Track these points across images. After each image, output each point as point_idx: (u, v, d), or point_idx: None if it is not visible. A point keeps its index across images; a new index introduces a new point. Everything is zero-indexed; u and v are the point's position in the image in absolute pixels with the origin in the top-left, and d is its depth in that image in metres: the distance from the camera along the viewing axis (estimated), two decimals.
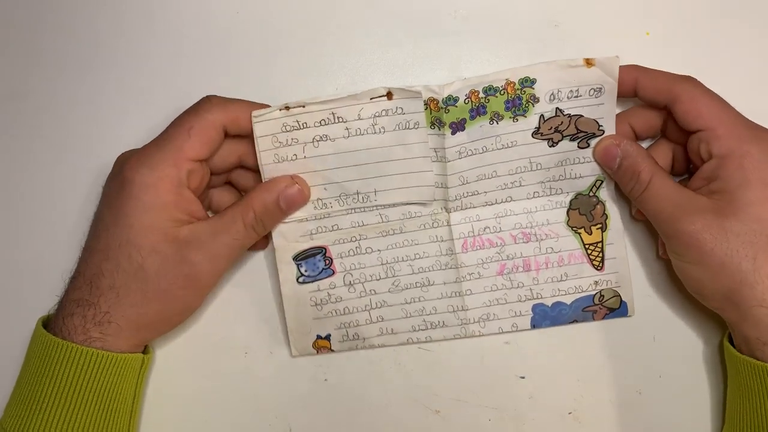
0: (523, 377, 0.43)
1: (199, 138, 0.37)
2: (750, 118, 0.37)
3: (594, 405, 0.43)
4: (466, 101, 0.40)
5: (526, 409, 0.43)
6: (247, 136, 0.40)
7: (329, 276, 0.42)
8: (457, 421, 0.43)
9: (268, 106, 0.39)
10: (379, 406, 0.43)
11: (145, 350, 0.40)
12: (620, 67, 0.39)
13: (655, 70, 0.39)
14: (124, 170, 0.37)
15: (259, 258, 0.44)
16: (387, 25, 0.44)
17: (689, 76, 0.38)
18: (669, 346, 0.42)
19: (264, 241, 0.43)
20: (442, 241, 0.42)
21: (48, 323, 0.38)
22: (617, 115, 0.41)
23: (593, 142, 0.41)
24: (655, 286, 0.43)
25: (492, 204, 0.42)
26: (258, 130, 0.40)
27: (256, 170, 0.41)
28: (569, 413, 0.43)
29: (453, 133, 0.40)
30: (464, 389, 0.43)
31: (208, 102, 0.38)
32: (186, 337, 0.43)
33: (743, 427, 0.37)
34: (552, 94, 0.40)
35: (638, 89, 0.39)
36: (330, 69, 0.44)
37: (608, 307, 0.42)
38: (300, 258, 0.42)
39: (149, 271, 0.36)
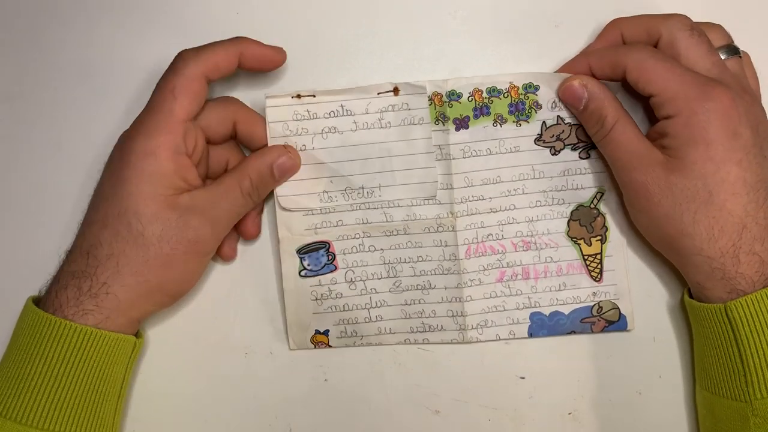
0: (523, 377, 0.43)
1: (184, 95, 0.37)
2: None
3: (594, 405, 0.43)
4: (470, 99, 0.41)
5: (526, 409, 0.43)
6: (236, 103, 0.41)
7: (331, 271, 0.42)
8: (457, 421, 0.43)
9: (239, 39, 0.40)
10: (379, 406, 0.43)
11: (137, 335, 0.39)
12: (572, 60, 0.41)
13: (602, 48, 0.40)
14: (123, 140, 0.38)
15: (260, 258, 0.43)
16: (387, 25, 0.44)
17: (636, 45, 0.39)
18: (669, 346, 0.42)
19: (256, 229, 0.43)
20: (446, 246, 0.42)
21: (39, 301, 0.37)
22: (576, 55, 0.41)
23: (594, 152, 0.41)
24: (656, 286, 0.43)
25: (496, 211, 0.42)
26: (270, 115, 0.41)
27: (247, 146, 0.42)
28: (569, 413, 0.43)
29: (457, 130, 0.41)
30: (464, 389, 0.43)
31: (181, 59, 0.38)
32: (186, 338, 0.43)
33: (703, 366, 0.39)
34: (554, 102, 0.41)
35: (594, 73, 0.40)
36: (330, 70, 0.44)
37: (607, 319, 0.42)
38: (303, 252, 0.42)
39: (151, 237, 0.36)
